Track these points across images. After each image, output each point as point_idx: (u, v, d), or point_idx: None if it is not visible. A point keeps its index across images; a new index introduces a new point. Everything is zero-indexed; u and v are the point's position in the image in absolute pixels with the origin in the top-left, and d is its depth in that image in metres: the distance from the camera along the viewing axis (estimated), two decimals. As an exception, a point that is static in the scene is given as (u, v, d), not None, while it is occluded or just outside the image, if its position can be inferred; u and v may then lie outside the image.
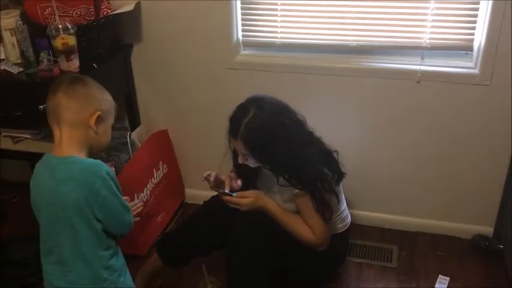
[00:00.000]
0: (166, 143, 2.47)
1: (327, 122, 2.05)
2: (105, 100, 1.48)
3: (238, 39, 2.19)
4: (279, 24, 2.14)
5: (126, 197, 1.55)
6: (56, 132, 1.44)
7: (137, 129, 2.40)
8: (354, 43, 2.07)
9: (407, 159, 2.21)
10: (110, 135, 1.52)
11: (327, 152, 1.81)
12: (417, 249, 2.24)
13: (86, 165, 1.39)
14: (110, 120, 1.50)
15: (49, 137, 2.13)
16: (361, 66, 2.08)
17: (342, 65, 2.10)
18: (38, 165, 1.48)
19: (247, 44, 2.22)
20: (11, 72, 1.97)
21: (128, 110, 2.40)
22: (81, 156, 1.42)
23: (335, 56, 2.12)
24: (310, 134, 1.80)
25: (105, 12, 2.04)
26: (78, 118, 1.41)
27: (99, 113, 1.43)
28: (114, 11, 2.06)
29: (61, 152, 1.41)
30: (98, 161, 1.42)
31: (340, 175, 1.83)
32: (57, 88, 1.43)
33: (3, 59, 2.05)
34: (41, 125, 2.14)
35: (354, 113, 2.18)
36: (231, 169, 1.97)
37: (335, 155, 1.82)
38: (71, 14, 2.00)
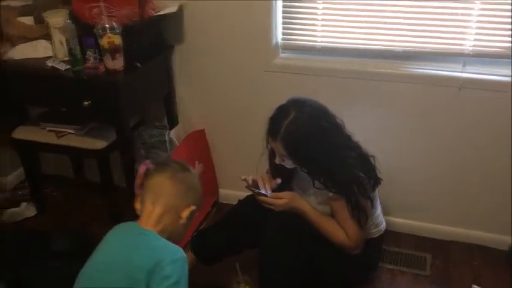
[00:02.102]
0: (202, 142, 2.51)
1: (365, 127, 2.05)
2: (200, 198, 1.51)
3: (278, 42, 2.21)
4: (319, 28, 2.15)
5: None
6: (148, 207, 1.42)
7: (175, 128, 2.45)
8: (395, 48, 2.06)
9: (444, 166, 2.19)
10: (186, 232, 1.51)
11: (364, 156, 1.81)
12: (451, 258, 2.22)
13: (168, 244, 1.37)
14: (193, 218, 1.51)
15: (91, 133, 2.21)
16: (402, 72, 2.08)
17: (382, 70, 2.10)
18: (116, 230, 1.44)
19: (287, 47, 2.23)
20: (58, 69, 2.03)
21: (167, 109, 2.45)
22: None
23: (375, 61, 2.12)
24: (348, 138, 1.80)
25: (149, 13, 2.09)
26: (175, 204, 1.43)
27: (194, 207, 1.46)
28: (158, 12, 2.11)
29: (146, 225, 1.40)
30: (180, 248, 1.38)
31: (376, 180, 1.83)
32: (165, 169, 1.46)
33: (51, 56, 2.13)
34: (84, 121, 2.22)
35: (393, 118, 2.17)
36: (267, 169, 1.99)
37: (372, 160, 1.83)
38: (116, 14, 2.05)
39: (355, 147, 1.82)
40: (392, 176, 2.00)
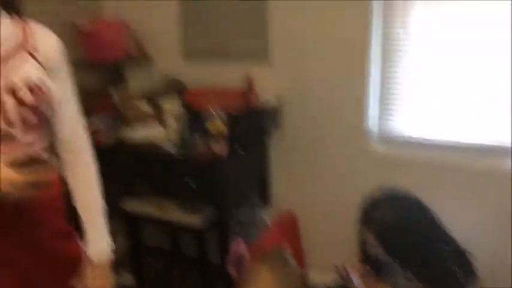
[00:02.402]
0: (293, 224, 2.57)
1: (463, 222, 2.01)
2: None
3: (374, 132, 2.30)
4: (416, 121, 2.20)
5: None
6: None
7: (268, 208, 2.55)
8: (496, 144, 2.07)
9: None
10: None
11: (459, 251, 1.77)
12: None
13: None
14: None
15: (192, 209, 2.37)
16: (504, 168, 2.06)
17: (481, 166, 2.10)
18: None
19: (383, 138, 2.30)
20: (169, 151, 2.22)
21: (261, 190, 2.58)
22: None
23: (471, 155, 2.13)
24: (443, 231, 1.79)
25: (252, 105, 2.28)
26: None
27: None
28: (260, 103, 2.30)
29: None
30: None
31: (472, 276, 1.78)
32: (266, 260, 1.53)
33: (163, 139, 2.33)
34: (186, 198, 2.38)
35: (493, 215, 2.13)
36: (358, 257, 2.00)
37: (468, 255, 1.79)
38: (223, 105, 2.26)
39: (450, 241, 1.79)
40: (489, 273, 1.92)
